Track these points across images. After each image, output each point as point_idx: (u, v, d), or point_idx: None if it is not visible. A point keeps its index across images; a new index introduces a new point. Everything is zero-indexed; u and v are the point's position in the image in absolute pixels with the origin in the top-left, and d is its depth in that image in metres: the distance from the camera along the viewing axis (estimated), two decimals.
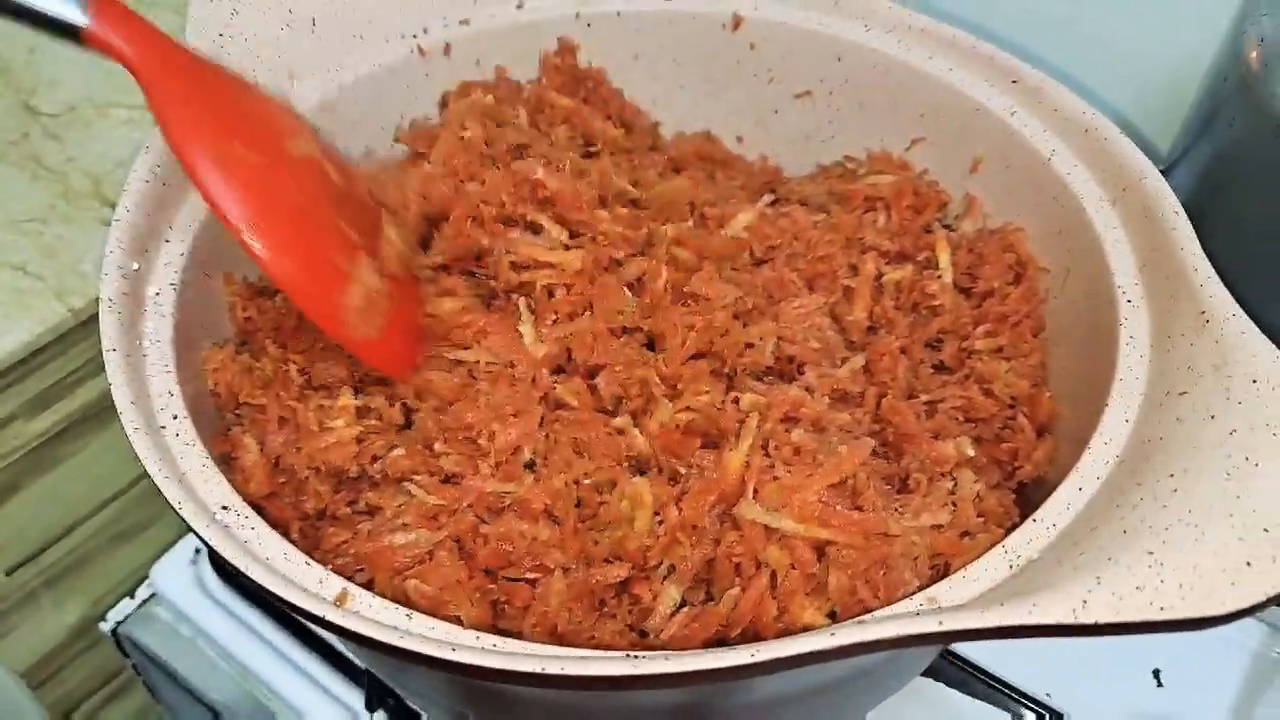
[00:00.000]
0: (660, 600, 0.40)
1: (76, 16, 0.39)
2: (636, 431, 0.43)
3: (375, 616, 0.35)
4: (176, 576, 0.64)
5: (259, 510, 0.43)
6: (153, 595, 0.64)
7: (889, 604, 0.36)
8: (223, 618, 0.62)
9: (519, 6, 0.60)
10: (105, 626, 0.64)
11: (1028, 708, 0.57)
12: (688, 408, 0.44)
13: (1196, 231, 0.44)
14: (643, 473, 0.43)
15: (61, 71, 0.81)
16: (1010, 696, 0.57)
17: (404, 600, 0.39)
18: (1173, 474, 0.36)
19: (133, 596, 0.64)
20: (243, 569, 0.36)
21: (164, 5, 0.86)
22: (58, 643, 0.80)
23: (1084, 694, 0.57)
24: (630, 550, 0.40)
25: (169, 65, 0.41)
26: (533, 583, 0.40)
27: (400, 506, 0.42)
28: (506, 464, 0.44)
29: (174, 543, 0.65)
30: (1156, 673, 0.58)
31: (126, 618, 0.64)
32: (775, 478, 0.40)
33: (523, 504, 0.42)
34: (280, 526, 0.44)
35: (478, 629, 0.38)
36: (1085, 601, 0.32)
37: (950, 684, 0.58)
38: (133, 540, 0.82)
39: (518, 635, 0.40)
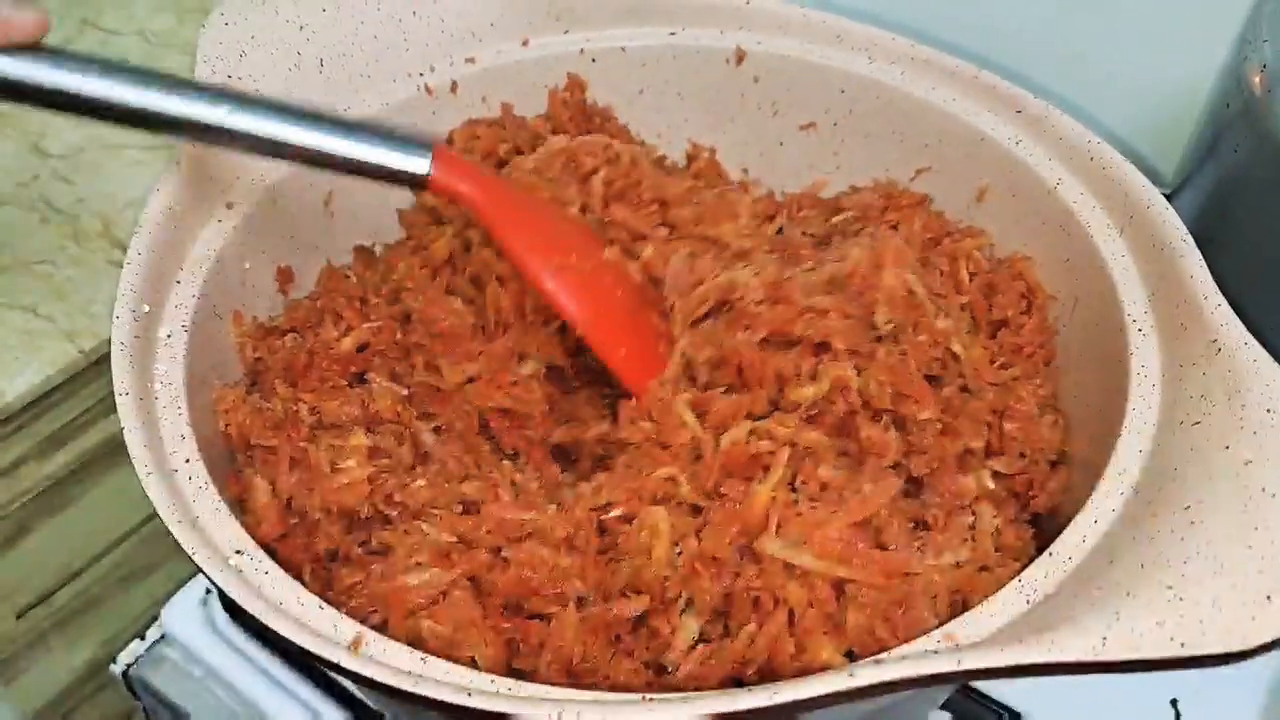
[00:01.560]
0: (678, 634, 0.40)
1: (421, 169, 0.45)
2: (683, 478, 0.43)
3: (390, 661, 0.35)
4: (187, 617, 0.63)
5: (271, 552, 0.43)
6: (163, 636, 0.63)
7: (907, 643, 0.36)
8: (234, 658, 0.62)
9: (524, 44, 0.60)
10: (115, 669, 0.63)
11: None
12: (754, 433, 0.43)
13: (1204, 258, 0.44)
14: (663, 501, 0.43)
15: None
16: None
17: (418, 641, 0.39)
18: (1189, 505, 0.36)
19: (143, 638, 0.64)
20: (257, 615, 0.36)
21: (173, 45, 0.87)
22: (68, 684, 0.80)
23: None
24: (647, 581, 0.40)
25: (501, 200, 0.48)
26: (547, 620, 0.40)
27: (414, 545, 0.41)
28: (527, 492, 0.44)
29: (184, 583, 0.65)
30: (1174, 703, 0.57)
31: (137, 659, 0.63)
32: (799, 514, 0.40)
33: (543, 532, 0.41)
34: (293, 568, 0.44)
35: (493, 669, 0.38)
36: (1105, 639, 0.31)
37: (963, 717, 0.57)
38: (143, 580, 0.81)
39: (533, 674, 0.39)
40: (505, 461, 0.47)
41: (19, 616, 0.75)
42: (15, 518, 0.72)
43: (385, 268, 0.54)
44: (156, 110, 0.42)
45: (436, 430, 0.48)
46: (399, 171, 0.45)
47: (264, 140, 0.43)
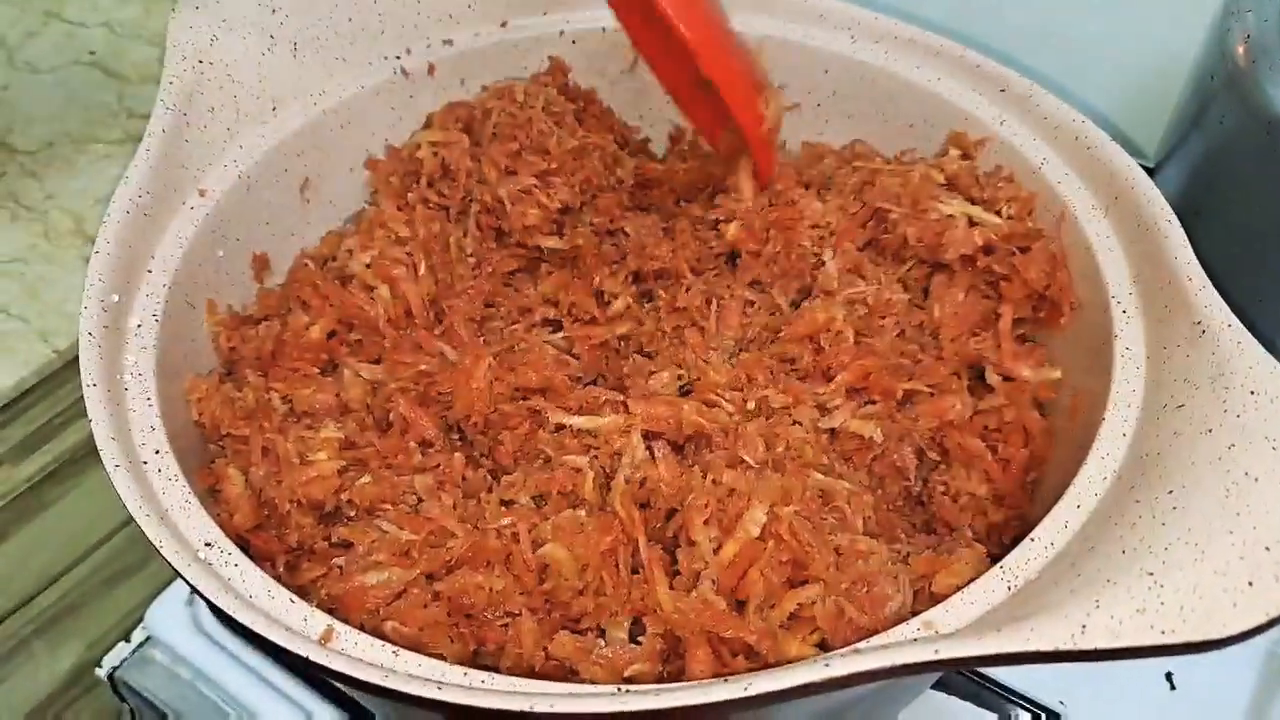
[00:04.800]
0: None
1: None
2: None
3: (360, 655, 0.34)
4: (172, 618, 0.62)
5: (245, 543, 0.43)
6: (149, 638, 0.62)
7: (875, 619, 0.36)
8: (222, 658, 0.61)
9: (503, 25, 0.59)
10: (101, 672, 0.62)
11: (1038, 716, 0.56)
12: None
13: (1188, 233, 0.44)
14: None
15: (38, 107, 0.79)
16: (1022, 705, 0.56)
17: (381, 639, 0.38)
18: (1171, 490, 0.35)
19: (128, 640, 0.63)
20: (224, 608, 0.35)
21: (140, 36, 0.85)
22: (53, 690, 0.79)
23: (1097, 701, 0.56)
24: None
25: None
26: (505, 627, 0.39)
27: (373, 543, 0.41)
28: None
29: (169, 583, 0.64)
30: (1169, 676, 0.57)
31: (123, 662, 0.62)
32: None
33: (476, 553, 0.41)
34: (267, 560, 0.43)
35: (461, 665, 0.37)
36: (1084, 626, 0.31)
37: (962, 696, 0.57)
38: (127, 581, 0.80)
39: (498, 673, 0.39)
40: (457, 455, 0.46)
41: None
42: None
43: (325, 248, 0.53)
44: None
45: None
46: None
47: None
